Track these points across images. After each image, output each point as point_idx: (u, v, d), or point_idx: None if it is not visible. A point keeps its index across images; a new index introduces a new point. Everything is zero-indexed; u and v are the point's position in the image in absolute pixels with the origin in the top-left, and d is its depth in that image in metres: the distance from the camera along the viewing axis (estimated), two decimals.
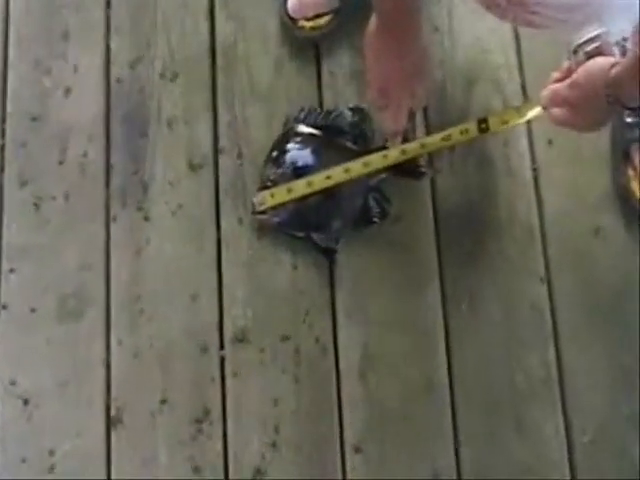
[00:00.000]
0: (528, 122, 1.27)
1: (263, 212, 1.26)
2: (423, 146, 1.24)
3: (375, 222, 1.27)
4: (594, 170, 1.32)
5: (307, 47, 1.35)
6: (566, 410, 1.23)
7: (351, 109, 1.31)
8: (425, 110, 1.32)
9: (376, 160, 1.25)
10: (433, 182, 1.31)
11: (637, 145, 1.31)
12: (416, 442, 1.21)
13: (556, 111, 1.10)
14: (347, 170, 1.25)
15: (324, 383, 1.23)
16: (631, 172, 1.30)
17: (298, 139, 1.29)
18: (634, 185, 1.29)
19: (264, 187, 1.27)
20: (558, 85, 1.11)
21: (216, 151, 1.31)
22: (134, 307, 1.24)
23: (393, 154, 1.25)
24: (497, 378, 1.24)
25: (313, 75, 1.35)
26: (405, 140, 1.25)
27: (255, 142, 1.31)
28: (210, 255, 1.27)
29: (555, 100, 1.10)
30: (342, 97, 1.34)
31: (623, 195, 1.31)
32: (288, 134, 1.30)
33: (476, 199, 1.31)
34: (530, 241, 1.29)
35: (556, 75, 1.12)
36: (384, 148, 1.27)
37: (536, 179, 1.31)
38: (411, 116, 1.24)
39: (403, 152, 1.25)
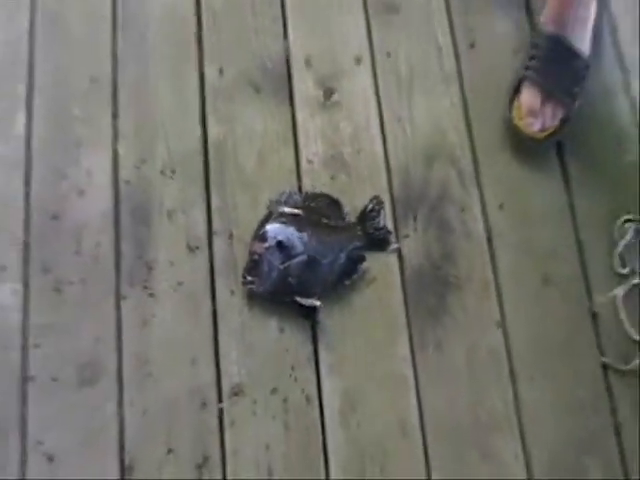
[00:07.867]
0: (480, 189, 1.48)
1: (252, 282, 1.45)
2: None
3: (353, 279, 1.47)
4: (541, 228, 1.50)
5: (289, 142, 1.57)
6: (524, 439, 1.39)
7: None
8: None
9: None
10: (399, 248, 1.49)
11: (529, 82, 1.53)
12: (393, 475, 1.37)
13: None
14: None
15: (310, 429, 1.40)
16: (516, 105, 1.53)
17: (281, 218, 1.49)
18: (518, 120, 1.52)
19: (252, 260, 1.46)
20: None
21: (210, 234, 1.51)
22: (142, 371, 1.42)
23: None
24: (463, 414, 1.40)
25: (293, 163, 1.56)
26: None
27: (243, 224, 1.51)
28: (207, 324, 1.45)
29: None
30: (318, 181, 1.54)
31: (512, 130, 1.53)
32: (272, 214, 1.50)
33: (438, 260, 1.49)
34: (486, 293, 1.47)
35: None
36: (356, 225, 1.49)
37: (490, 239, 1.50)
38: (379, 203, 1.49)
39: None
